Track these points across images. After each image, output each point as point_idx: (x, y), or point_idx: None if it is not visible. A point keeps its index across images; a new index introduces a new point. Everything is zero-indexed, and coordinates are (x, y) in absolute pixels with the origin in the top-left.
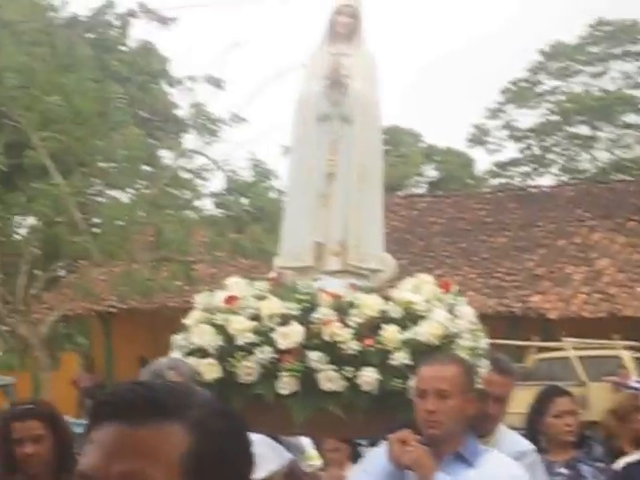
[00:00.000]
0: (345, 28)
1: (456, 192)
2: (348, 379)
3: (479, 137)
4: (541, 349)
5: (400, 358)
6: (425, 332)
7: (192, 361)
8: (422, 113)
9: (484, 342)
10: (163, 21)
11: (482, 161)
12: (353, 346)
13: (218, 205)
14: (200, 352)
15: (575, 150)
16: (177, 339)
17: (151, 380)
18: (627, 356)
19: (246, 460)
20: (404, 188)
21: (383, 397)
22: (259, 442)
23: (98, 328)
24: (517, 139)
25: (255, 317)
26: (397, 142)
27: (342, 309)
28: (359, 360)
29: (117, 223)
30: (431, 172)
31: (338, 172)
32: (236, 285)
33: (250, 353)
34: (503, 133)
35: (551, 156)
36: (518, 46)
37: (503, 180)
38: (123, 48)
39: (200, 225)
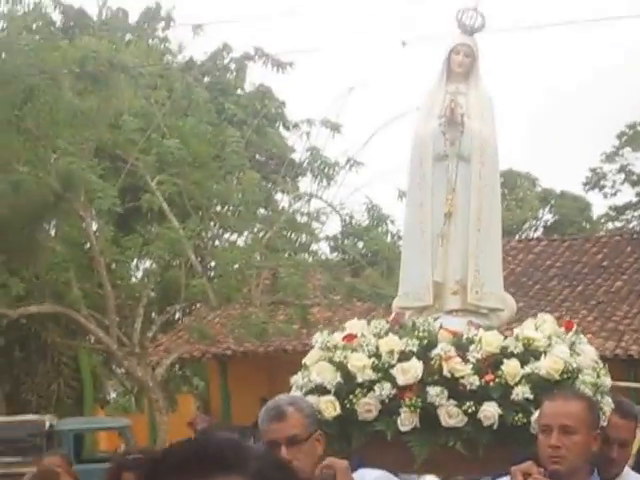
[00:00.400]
0: (462, 67)
1: (572, 236)
2: (469, 414)
3: (595, 181)
4: None
5: (521, 392)
6: (546, 366)
7: (312, 399)
8: (538, 157)
9: (607, 380)
10: (279, 65)
11: (598, 205)
12: (473, 381)
13: (334, 249)
14: (319, 390)
15: None
16: (296, 378)
17: (226, 430)
18: None
19: None
20: (521, 232)
21: (504, 432)
22: (382, 478)
23: (214, 370)
24: (633, 183)
25: (374, 354)
26: (513, 186)
27: (462, 346)
28: (479, 395)
29: (233, 266)
30: (547, 216)
31: (456, 211)
32: (354, 326)
33: (370, 390)
34: (619, 177)
35: None
36: (633, 87)
37: (619, 224)
38: (239, 92)
39: (316, 269)
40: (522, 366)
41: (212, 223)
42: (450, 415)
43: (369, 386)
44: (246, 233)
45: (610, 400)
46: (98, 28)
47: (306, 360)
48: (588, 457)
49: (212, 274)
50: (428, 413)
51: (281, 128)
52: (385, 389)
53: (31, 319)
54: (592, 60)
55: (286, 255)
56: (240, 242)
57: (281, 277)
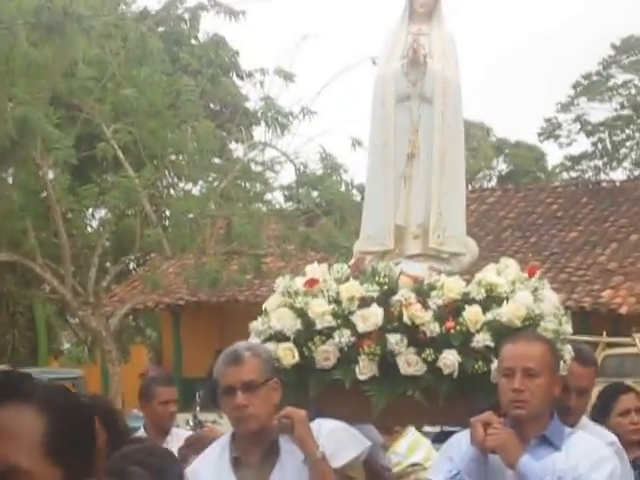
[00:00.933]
0: (424, 7)
1: (527, 186)
2: (428, 362)
3: (550, 130)
4: (611, 345)
5: (482, 340)
6: (508, 313)
7: (270, 346)
8: (492, 106)
9: (568, 328)
10: (232, 14)
11: (553, 155)
12: (434, 328)
13: (288, 198)
14: (278, 337)
15: None
16: (256, 324)
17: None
18: None
19: (91, 437)
20: (474, 182)
21: (464, 381)
22: (338, 429)
23: (167, 321)
24: (589, 133)
25: (335, 300)
26: (467, 136)
27: (423, 292)
28: (440, 343)
29: (188, 215)
30: (501, 166)
31: (419, 153)
32: (315, 270)
33: (329, 337)
34: (575, 127)
35: (623, 150)
36: (590, 39)
37: (575, 174)
38: (193, 41)
39: (270, 218)
40: (484, 313)
41: (167, 172)
42: (409, 363)
43: (328, 333)
44: (201, 182)
45: (570, 348)
46: None
47: (266, 305)
48: (550, 401)
49: (167, 223)
50: (387, 361)
51: (235, 77)
52: (344, 336)
53: None
54: (551, 11)
55: (240, 205)
56: (195, 191)
57: (235, 226)
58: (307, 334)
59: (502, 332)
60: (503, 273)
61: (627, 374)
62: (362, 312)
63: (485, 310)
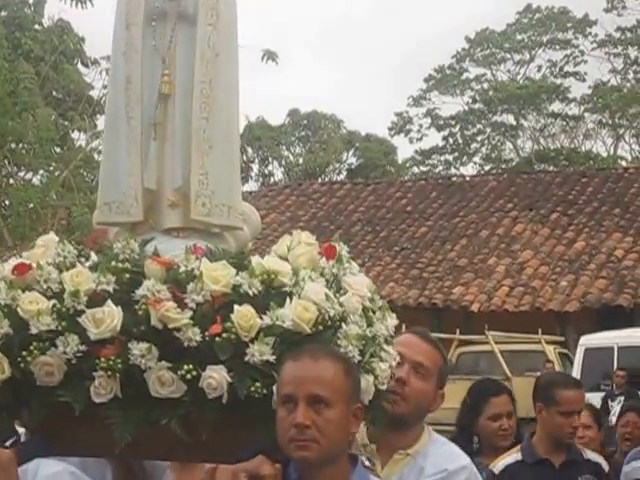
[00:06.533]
0: None
1: (377, 180)
2: (188, 381)
3: (401, 125)
4: (464, 342)
5: (258, 352)
6: (292, 314)
7: None
8: (344, 99)
9: (386, 325)
10: None
11: (404, 149)
12: (193, 335)
13: None
14: None
15: (499, 139)
16: None
17: None
18: (551, 350)
19: None
20: (324, 175)
21: (236, 407)
22: (60, 475)
23: None
24: (440, 127)
25: (57, 294)
26: (317, 128)
27: (178, 282)
28: (203, 355)
29: (29, 205)
30: (351, 159)
31: (176, 92)
32: (45, 247)
33: (51, 345)
34: (426, 121)
35: (474, 145)
36: (441, 30)
37: (425, 169)
38: (37, 27)
39: None
40: (260, 314)
41: (6, 161)
42: (162, 382)
43: (50, 339)
44: (42, 172)
45: (393, 352)
46: None
47: None
48: (347, 440)
49: (6, 213)
50: (132, 379)
51: (80, 65)
52: (71, 344)
53: None
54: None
55: (81, 195)
56: (35, 181)
57: (74, 216)
58: (21, 340)
59: (287, 341)
60: (291, 254)
61: (481, 372)
62: (93, 312)
63: (262, 310)
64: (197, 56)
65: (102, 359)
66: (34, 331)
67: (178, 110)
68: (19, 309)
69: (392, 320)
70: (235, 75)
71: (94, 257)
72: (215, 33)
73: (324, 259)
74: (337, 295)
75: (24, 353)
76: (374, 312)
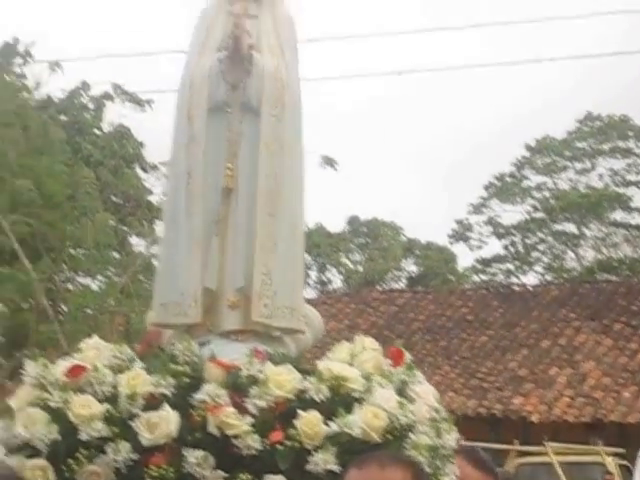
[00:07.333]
0: None
1: (437, 288)
2: None
3: (461, 232)
4: (522, 453)
5: (322, 461)
6: (362, 422)
7: (16, 462)
8: (403, 206)
9: (451, 438)
10: (138, 102)
11: (464, 257)
12: (253, 442)
13: None
14: (28, 449)
15: (561, 248)
16: None
17: None
18: (611, 463)
19: None
20: (383, 283)
21: None
22: None
23: None
24: (500, 235)
25: (110, 398)
26: (376, 235)
27: (238, 387)
28: (262, 464)
29: (86, 311)
30: (411, 267)
31: (239, 187)
32: (94, 348)
33: (100, 452)
34: (486, 229)
35: (535, 254)
36: (504, 141)
37: (485, 277)
38: (97, 131)
39: None
40: (326, 421)
41: (65, 266)
42: None
43: (99, 446)
44: (100, 277)
45: (455, 468)
46: None
47: (13, 402)
48: None
49: (63, 318)
50: None
51: (139, 169)
52: (122, 452)
53: None
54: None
55: (140, 301)
56: (94, 286)
57: (132, 323)
58: (68, 447)
59: (352, 450)
60: (357, 359)
61: None
62: (149, 416)
63: (328, 417)
64: (261, 148)
65: (153, 468)
66: (83, 437)
67: (241, 205)
68: (70, 413)
69: (454, 433)
70: (300, 169)
71: (139, 362)
72: (280, 125)
73: (390, 365)
74: (405, 404)
75: (71, 461)
76: (440, 423)
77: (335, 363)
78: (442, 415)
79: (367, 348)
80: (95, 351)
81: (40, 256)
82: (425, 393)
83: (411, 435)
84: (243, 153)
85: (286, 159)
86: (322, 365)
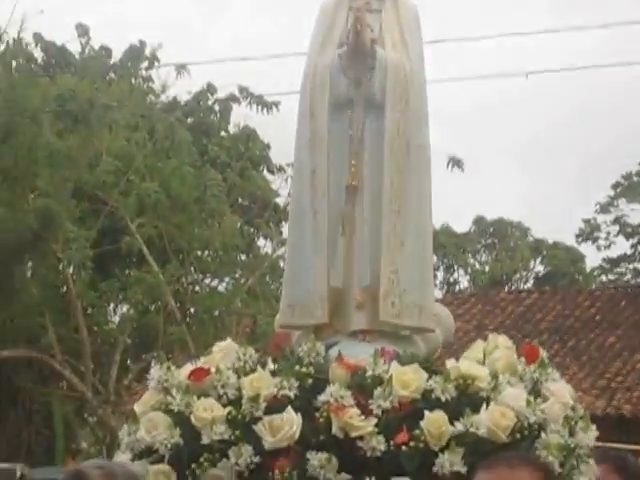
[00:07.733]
0: None
1: (564, 288)
2: None
3: (589, 232)
4: None
5: (449, 463)
6: (487, 421)
7: (139, 468)
8: (531, 206)
9: (588, 437)
10: (265, 105)
11: (591, 257)
12: (377, 444)
13: None
14: (151, 453)
15: None
16: (124, 434)
17: None
18: None
19: None
20: (511, 283)
21: None
22: None
23: None
24: (628, 235)
25: (234, 401)
26: (504, 235)
27: (363, 388)
28: (387, 466)
29: (213, 313)
30: (538, 267)
31: (364, 184)
32: (224, 352)
33: (222, 456)
34: (614, 228)
35: None
36: (632, 140)
37: (613, 277)
38: (223, 133)
39: None
40: (452, 421)
41: (192, 268)
42: None
43: (221, 450)
44: (227, 279)
45: (593, 466)
46: (80, 66)
47: (137, 406)
48: None
49: (191, 320)
50: None
51: (266, 171)
52: (245, 455)
53: (3, 364)
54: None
55: (266, 303)
56: (221, 288)
57: (259, 325)
58: (191, 451)
59: (479, 451)
60: (489, 358)
61: None
62: (271, 419)
63: (455, 417)
64: (386, 144)
65: (277, 471)
66: (205, 441)
67: (367, 203)
68: (192, 417)
69: (593, 432)
70: (427, 165)
71: (270, 365)
72: (404, 120)
73: (523, 363)
74: (537, 401)
75: (194, 466)
76: (576, 422)
77: (464, 362)
78: (579, 413)
79: (500, 346)
80: (221, 353)
81: (168, 258)
82: (560, 391)
83: (542, 434)
84: (367, 150)
85: (411, 156)
86: (450, 364)
